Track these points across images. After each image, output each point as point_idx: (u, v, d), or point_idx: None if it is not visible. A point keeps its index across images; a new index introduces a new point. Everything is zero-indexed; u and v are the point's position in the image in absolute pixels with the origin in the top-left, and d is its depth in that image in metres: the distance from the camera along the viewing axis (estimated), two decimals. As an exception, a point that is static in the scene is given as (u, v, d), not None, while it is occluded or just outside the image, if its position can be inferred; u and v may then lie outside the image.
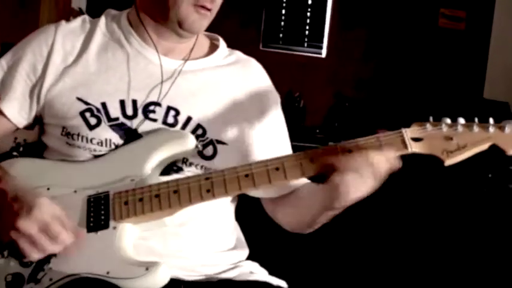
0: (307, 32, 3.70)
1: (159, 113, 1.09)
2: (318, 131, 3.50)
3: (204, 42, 1.22)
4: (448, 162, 0.94)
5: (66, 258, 0.97)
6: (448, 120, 0.96)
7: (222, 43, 1.22)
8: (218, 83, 1.16)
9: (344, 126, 3.58)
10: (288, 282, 1.15)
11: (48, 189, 1.03)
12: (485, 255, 2.63)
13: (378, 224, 2.79)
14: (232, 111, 1.14)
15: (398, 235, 2.80)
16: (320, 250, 2.57)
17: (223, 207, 1.14)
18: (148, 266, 0.95)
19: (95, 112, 1.07)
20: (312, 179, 1.07)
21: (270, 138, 1.18)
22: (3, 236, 0.97)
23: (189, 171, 1.08)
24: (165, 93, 1.10)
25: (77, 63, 1.11)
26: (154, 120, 1.09)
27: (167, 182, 1.01)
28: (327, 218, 1.06)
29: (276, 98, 1.23)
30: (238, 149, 1.13)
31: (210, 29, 1.17)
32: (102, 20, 1.17)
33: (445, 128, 0.95)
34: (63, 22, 1.16)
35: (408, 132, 0.96)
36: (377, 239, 2.78)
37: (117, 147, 1.06)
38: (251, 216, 1.33)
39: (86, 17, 1.20)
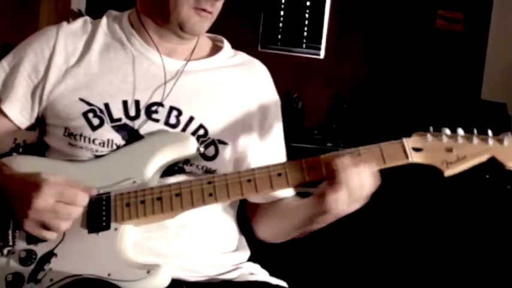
0: (305, 33, 3.70)
1: (162, 114, 1.09)
2: (316, 132, 3.51)
3: (206, 43, 1.22)
4: (448, 173, 0.96)
5: (67, 258, 0.98)
6: (448, 131, 0.98)
7: (226, 44, 1.22)
8: (221, 84, 1.16)
9: (342, 127, 3.59)
10: (288, 284, 1.15)
11: None
12: (483, 256, 2.64)
13: (375, 225, 2.79)
14: (234, 112, 1.14)
15: (396, 235, 2.80)
16: (320, 252, 2.58)
17: (225, 210, 1.14)
18: (149, 269, 0.95)
19: (98, 113, 1.07)
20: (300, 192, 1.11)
21: (267, 142, 1.18)
22: (23, 223, 0.96)
23: (190, 172, 1.08)
24: (167, 94, 1.10)
25: (79, 64, 1.11)
26: (157, 120, 1.09)
27: (169, 185, 1.01)
28: (302, 232, 1.10)
29: (277, 102, 1.23)
30: (237, 150, 1.13)
31: (209, 30, 1.17)
32: (104, 21, 1.17)
33: (445, 139, 0.97)
34: (64, 23, 1.16)
35: (409, 142, 0.97)
36: (375, 239, 2.78)
37: (118, 148, 1.06)
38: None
39: (88, 18, 1.20)
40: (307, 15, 3.70)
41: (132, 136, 1.07)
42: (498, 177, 2.79)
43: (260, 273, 1.15)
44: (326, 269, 2.55)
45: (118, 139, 1.07)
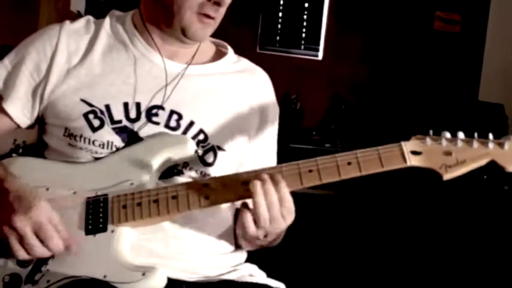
0: (303, 35, 3.71)
1: (162, 117, 1.09)
2: (314, 133, 3.51)
3: (209, 48, 1.22)
4: (447, 176, 0.95)
5: (63, 260, 0.97)
6: (448, 135, 0.96)
7: (230, 50, 1.22)
8: (223, 89, 1.16)
9: (341, 128, 3.60)
10: (286, 285, 1.15)
11: (47, 189, 1.03)
12: (481, 256, 2.64)
13: (374, 226, 2.80)
14: (234, 119, 1.14)
15: (395, 236, 2.81)
16: (318, 252, 2.58)
17: (223, 211, 1.14)
18: (145, 271, 0.95)
19: (99, 114, 1.07)
20: None
21: (261, 150, 1.19)
22: None
23: (189, 175, 1.08)
24: (168, 96, 1.10)
25: (82, 65, 1.10)
26: (157, 123, 1.08)
27: (166, 187, 1.01)
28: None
29: (276, 111, 1.24)
30: (233, 156, 1.13)
31: (209, 32, 1.17)
32: (107, 21, 1.17)
33: (444, 143, 0.96)
34: (67, 22, 1.15)
35: (407, 146, 0.97)
36: (374, 241, 2.78)
37: (117, 149, 1.06)
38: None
39: (90, 17, 1.19)
40: (305, 17, 3.70)
41: (131, 138, 1.07)
42: (496, 178, 2.79)
43: (258, 275, 1.16)
44: (322, 270, 2.55)
45: (118, 141, 1.07)
